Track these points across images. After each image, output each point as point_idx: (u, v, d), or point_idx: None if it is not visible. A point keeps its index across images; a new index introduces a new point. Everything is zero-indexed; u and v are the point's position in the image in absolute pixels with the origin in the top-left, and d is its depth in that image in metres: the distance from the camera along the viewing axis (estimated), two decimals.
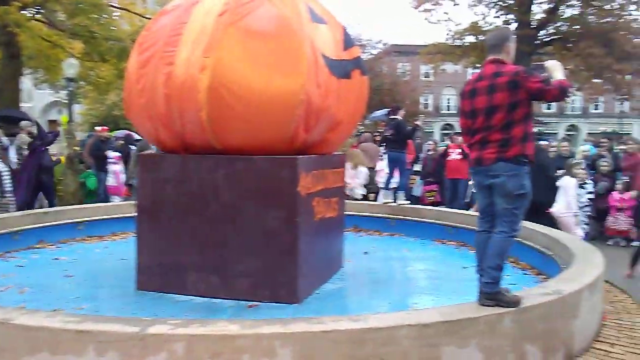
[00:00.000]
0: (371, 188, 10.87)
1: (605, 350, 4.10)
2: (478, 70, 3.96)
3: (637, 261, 6.41)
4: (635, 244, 7.78)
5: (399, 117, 8.60)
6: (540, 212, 6.85)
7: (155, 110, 4.74)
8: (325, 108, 4.84)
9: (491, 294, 3.53)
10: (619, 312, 5.06)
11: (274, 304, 4.48)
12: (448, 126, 46.09)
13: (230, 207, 4.63)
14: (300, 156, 4.70)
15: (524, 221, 6.51)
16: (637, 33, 21.00)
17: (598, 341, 4.27)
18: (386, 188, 8.79)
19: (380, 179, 10.12)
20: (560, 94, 3.47)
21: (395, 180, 8.85)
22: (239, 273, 4.60)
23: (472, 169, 3.86)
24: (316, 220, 4.99)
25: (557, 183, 7.26)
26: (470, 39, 22.24)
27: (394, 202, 8.59)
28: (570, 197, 6.89)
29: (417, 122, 9.05)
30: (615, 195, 8.42)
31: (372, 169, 10.88)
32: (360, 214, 8.41)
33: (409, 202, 8.80)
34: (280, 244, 4.54)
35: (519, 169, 3.57)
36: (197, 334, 2.89)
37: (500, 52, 3.73)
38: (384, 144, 9.14)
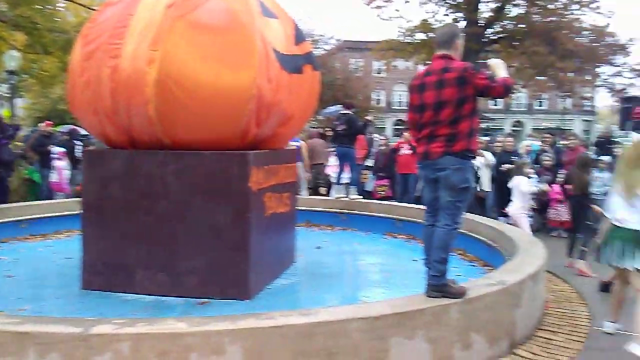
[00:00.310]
0: (321, 183, 10.92)
1: (547, 338, 4.27)
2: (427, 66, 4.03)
3: (574, 251, 6.72)
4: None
5: (350, 112, 8.67)
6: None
7: (100, 104, 4.60)
8: (277, 103, 4.82)
9: (438, 286, 3.61)
10: (561, 300, 5.28)
11: (225, 300, 4.44)
12: (400, 122, 46.75)
13: (180, 203, 4.56)
14: (252, 151, 4.67)
15: (471, 214, 6.81)
16: (578, 32, 21.85)
17: (540, 329, 4.45)
18: (338, 183, 8.84)
19: (333, 174, 10.17)
20: (504, 91, 3.58)
21: (347, 176, 8.92)
22: (189, 270, 4.54)
23: (420, 163, 3.90)
24: (267, 215, 4.97)
25: (510, 184, 7.41)
26: (420, 36, 22.60)
27: (346, 196, 8.66)
28: (524, 196, 7.03)
29: (368, 118, 9.14)
30: (556, 188, 8.74)
31: (321, 165, 10.93)
32: (313, 209, 8.44)
33: (361, 196, 8.88)
34: (231, 240, 4.50)
35: (464, 163, 3.65)
36: (143, 332, 2.83)
37: (449, 49, 3.79)
38: (335, 139, 9.17)
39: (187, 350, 2.81)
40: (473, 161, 3.80)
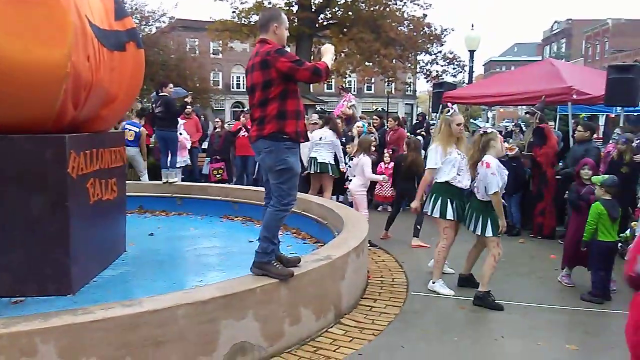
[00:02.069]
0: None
1: (369, 306, 4.63)
2: None
3: (391, 225, 7.36)
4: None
5: (167, 93, 8.30)
6: None
7: None
8: (97, 82, 4.50)
9: (259, 263, 3.73)
10: (382, 270, 5.74)
11: (46, 297, 4.09)
12: (238, 104, 46.57)
13: None
14: (69, 134, 4.30)
15: (304, 194, 7.07)
16: (400, 22, 23.62)
17: (364, 298, 4.81)
18: (164, 167, 8.54)
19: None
20: (312, 74, 3.66)
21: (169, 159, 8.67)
22: (0, 267, 4.08)
23: (252, 146, 3.96)
24: (92, 203, 4.65)
25: (352, 162, 7.67)
26: (255, 18, 22.64)
27: (175, 180, 8.45)
28: (367, 175, 7.24)
29: (187, 99, 8.93)
30: (382, 165, 9.44)
31: None
32: (145, 194, 8.10)
33: (177, 179, 8.67)
34: (49, 231, 4.13)
35: (276, 145, 3.68)
36: None
37: (266, 32, 3.84)
38: (153, 123, 8.77)
39: None
40: (289, 142, 3.75)
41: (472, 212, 4.97)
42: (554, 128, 10.58)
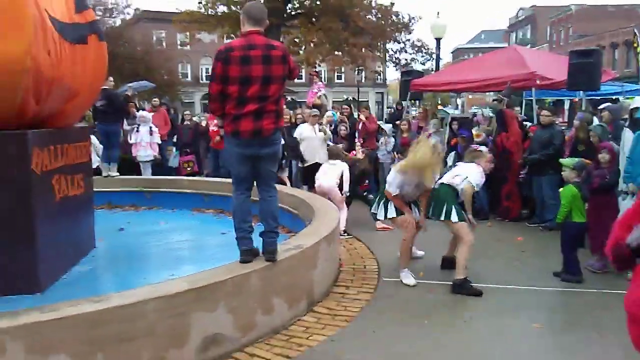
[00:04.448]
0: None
1: (342, 293, 4.69)
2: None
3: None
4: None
5: (108, 87, 8.17)
6: None
7: None
8: (59, 77, 4.42)
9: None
10: (354, 258, 5.80)
11: (12, 296, 4.01)
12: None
13: None
14: (32, 130, 4.22)
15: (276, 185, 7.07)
16: (368, 10, 23.64)
17: (336, 285, 4.87)
18: (106, 161, 8.44)
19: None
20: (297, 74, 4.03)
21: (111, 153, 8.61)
22: None
23: (247, 140, 3.78)
24: (57, 200, 4.58)
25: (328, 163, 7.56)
26: (223, 9, 22.37)
27: (117, 174, 8.44)
28: (345, 178, 7.11)
29: (128, 92, 8.83)
30: (353, 153, 9.49)
31: None
32: (114, 189, 7.99)
33: (118, 174, 8.60)
34: (13, 229, 4.05)
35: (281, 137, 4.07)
36: None
37: (261, 26, 3.85)
38: (96, 117, 8.63)
39: None
40: None
41: (436, 199, 5.06)
42: (521, 113, 10.79)
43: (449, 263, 5.33)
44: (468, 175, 5.13)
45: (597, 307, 4.46)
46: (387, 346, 3.68)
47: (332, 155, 7.33)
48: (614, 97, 11.68)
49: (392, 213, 5.12)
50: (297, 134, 8.39)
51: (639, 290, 2.47)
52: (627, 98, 10.88)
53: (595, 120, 7.64)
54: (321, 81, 11.60)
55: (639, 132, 5.26)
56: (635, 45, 10.28)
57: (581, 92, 9.36)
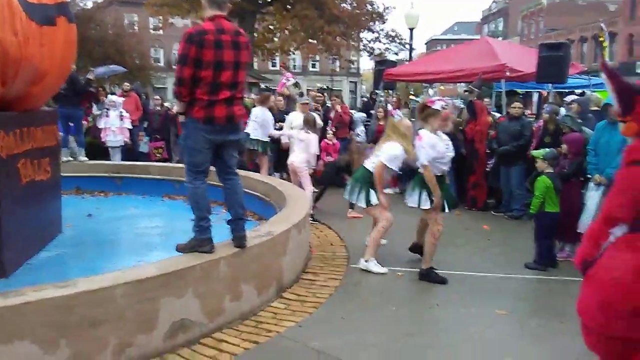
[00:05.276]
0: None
1: (311, 280, 4.73)
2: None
3: (320, 199, 7.61)
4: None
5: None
6: None
7: None
8: (26, 58, 4.31)
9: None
10: (324, 245, 5.85)
11: None
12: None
13: None
14: None
15: (247, 172, 7.10)
16: None
17: (306, 272, 4.90)
18: (64, 147, 8.31)
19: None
20: None
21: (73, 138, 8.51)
22: None
23: (221, 127, 3.73)
24: (23, 184, 4.50)
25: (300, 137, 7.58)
26: None
27: (75, 159, 8.33)
28: (312, 152, 7.23)
29: (90, 76, 8.71)
30: (325, 142, 9.52)
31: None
32: (83, 174, 7.87)
33: (87, 159, 8.49)
34: None
35: None
36: None
37: (226, 10, 3.80)
38: (56, 100, 8.49)
39: None
40: None
41: (412, 185, 5.09)
42: (492, 105, 10.96)
43: (418, 249, 5.37)
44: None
45: (560, 295, 4.60)
46: (355, 333, 3.73)
47: (307, 122, 7.38)
48: (581, 90, 11.94)
49: (374, 200, 5.10)
50: (287, 122, 8.37)
51: (588, 297, 2.61)
52: (594, 91, 11.15)
53: (563, 111, 7.84)
54: (289, 71, 11.62)
55: (602, 125, 5.41)
56: (601, 39, 10.50)
57: (550, 84, 9.56)
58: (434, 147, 4.80)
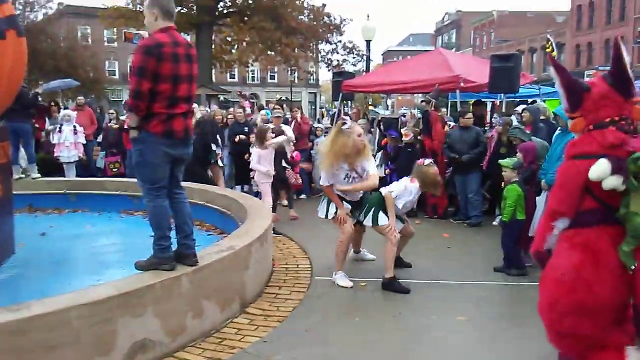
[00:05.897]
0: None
1: (274, 293, 4.70)
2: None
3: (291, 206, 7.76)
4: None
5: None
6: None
7: None
8: None
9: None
10: (287, 257, 5.83)
11: None
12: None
13: None
14: None
15: (207, 186, 7.03)
16: (300, 10, 23.77)
17: (269, 286, 4.87)
18: (15, 163, 8.08)
19: None
20: None
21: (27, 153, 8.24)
22: None
23: (179, 141, 3.67)
24: None
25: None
26: None
27: (26, 176, 8.06)
28: (270, 164, 7.27)
29: (38, 90, 8.52)
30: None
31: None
32: (36, 192, 7.61)
33: (39, 175, 8.25)
34: None
35: None
36: None
37: (173, 21, 3.73)
38: (4, 114, 8.26)
39: None
40: None
41: (368, 205, 5.17)
42: (447, 114, 11.20)
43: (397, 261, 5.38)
44: (393, 188, 5.24)
45: (520, 300, 4.72)
46: (319, 345, 3.72)
47: (256, 136, 7.49)
48: (531, 100, 12.34)
49: (332, 212, 5.13)
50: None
51: (541, 296, 2.74)
52: (544, 100, 11.54)
53: (514, 120, 8.10)
54: (247, 100, 11.79)
55: (559, 133, 5.58)
56: (548, 49, 10.91)
57: (502, 94, 9.84)
58: (410, 194, 5.22)
